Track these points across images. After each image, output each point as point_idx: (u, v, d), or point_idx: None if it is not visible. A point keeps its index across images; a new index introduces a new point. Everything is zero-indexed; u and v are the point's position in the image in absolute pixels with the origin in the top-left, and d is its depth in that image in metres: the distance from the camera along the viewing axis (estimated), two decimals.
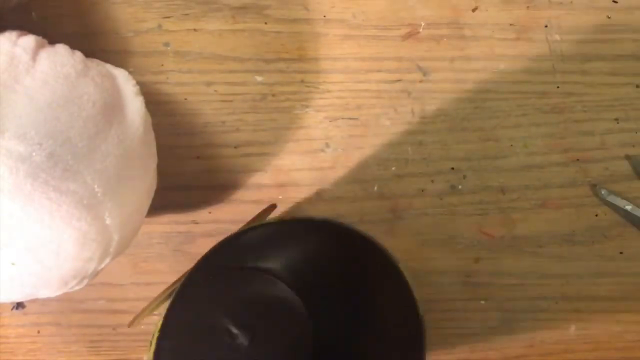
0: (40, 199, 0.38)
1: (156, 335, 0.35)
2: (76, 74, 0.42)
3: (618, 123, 0.52)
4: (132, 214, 0.44)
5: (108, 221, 0.41)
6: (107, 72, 0.45)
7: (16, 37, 0.42)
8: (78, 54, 0.44)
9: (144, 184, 0.46)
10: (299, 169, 0.52)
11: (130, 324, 0.45)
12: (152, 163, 0.46)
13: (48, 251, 0.39)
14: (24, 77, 0.40)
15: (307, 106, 0.52)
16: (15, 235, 0.38)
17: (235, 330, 0.33)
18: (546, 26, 0.51)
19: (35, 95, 0.39)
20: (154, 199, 0.47)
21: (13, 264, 0.39)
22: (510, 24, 0.51)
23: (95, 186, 0.39)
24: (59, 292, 0.43)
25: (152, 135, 0.46)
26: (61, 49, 0.44)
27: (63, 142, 0.39)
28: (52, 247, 0.39)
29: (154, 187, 0.47)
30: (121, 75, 0.46)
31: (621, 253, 0.53)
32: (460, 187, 0.52)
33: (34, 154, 0.37)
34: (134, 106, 0.45)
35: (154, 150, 0.47)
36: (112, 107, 0.43)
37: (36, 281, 0.41)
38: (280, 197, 0.53)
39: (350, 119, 0.52)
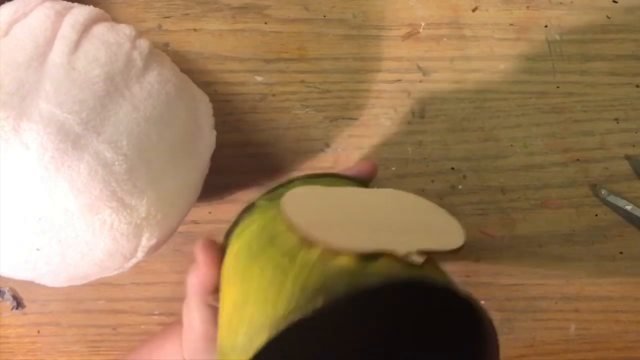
0: (100, 206, 0.38)
1: None
2: (175, 93, 0.42)
3: (618, 123, 0.52)
4: (164, 239, 0.44)
5: (144, 242, 0.41)
6: (195, 96, 0.45)
7: (135, 37, 0.41)
8: (178, 70, 0.44)
9: (185, 214, 0.46)
10: (299, 169, 0.52)
11: None
12: (196, 195, 0.46)
13: (77, 251, 0.40)
14: (133, 84, 0.40)
15: (307, 106, 0.52)
16: (57, 226, 0.38)
17: None
18: (546, 26, 0.51)
19: (139, 106, 0.39)
20: None
21: (38, 249, 0.39)
22: (510, 24, 0.51)
23: (152, 209, 0.40)
24: (58, 285, 0.43)
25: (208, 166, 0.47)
26: (168, 62, 0.44)
27: (144, 160, 0.39)
28: (83, 250, 0.39)
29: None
30: (204, 101, 0.46)
31: (621, 253, 0.53)
32: (460, 187, 0.52)
33: (116, 163, 0.38)
34: (209, 140, 0.45)
35: (201, 182, 0.47)
36: (192, 138, 0.43)
37: (48, 270, 0.41)
38: None
39: (350, 119, 0.52)
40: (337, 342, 0.36)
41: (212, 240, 0.38)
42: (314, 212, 0.35)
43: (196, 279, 0.37)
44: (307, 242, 0.33)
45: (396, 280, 0.30)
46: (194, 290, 0.37)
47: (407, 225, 0.36)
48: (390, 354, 0.34)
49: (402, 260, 0.32)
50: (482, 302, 0.54)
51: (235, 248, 0.36)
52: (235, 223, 0.38)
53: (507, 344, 0.54)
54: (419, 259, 0.32)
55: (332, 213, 0.35)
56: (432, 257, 0.34)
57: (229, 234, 0.38)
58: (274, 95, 0.52)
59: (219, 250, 0.38)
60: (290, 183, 0.39)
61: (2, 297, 0.54)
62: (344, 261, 0.31)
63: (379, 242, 0.33)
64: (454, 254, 0.35)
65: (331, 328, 0.34)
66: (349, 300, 0.29)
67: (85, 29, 0.40)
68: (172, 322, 0.49)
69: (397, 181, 0.52)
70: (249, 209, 0.38)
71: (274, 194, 0.38)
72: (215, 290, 0.37)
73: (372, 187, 0.42)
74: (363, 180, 0.43)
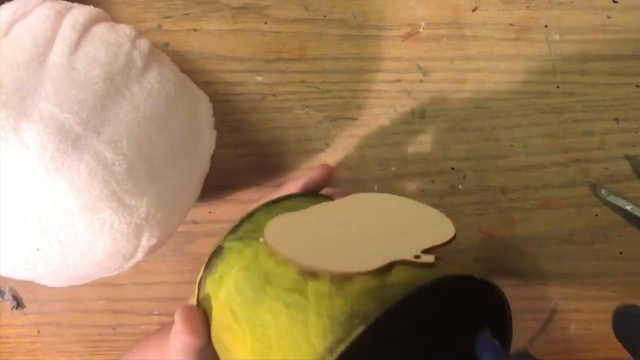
0: (100, 206, 0.38)
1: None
2: (175, 93, 0.42)
3: (618, 123, 0.52)
4: (164, 239, 0.44)
5: (144, 242, 0.41)
6: (195, 96, 0.45)
7: (135, 37, 0.41)
8: (178, 70, 0.44)
9: (185, 214, 0.46)
10: (299, 169, 0.52)
11: None
12: (196, 195, 0.46)
13: (77, 251, 0.40)
14: (133, 83, 0.40)
15: (307, 106, 0.52)
16: (57, 226, 0.38)
17: None
18: (546, 26, 0.51)
19: (139, 105, 0.39)
20: None
21: (38, 249, 0.39)
22: (510, 24, 0.51)
23: (152, 209, 0.40)
24: (58, 285, 0.43)
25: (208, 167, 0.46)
26: (168, 62, 0.44)
27: (145, 159, 0.39)
28: (83, 249, 0.39)
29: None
30: (204, 101, 0.46)
31: (621, 253, 0.53)
32: (460, 187, 0.52)
33: (116, 163, 0.38)
34: (209, 140, 0.45)
35: (201, 182, 0.47)
36: (192, 138, 0.44)
37: (48, 270, 0.41)
38: None
39: (350, 119, 0.52)
40: (401, 350, 0.38)
41: (191, 307, 0.38)
42: (302, 242, 0.34)
43: (180, 344, 0.37)
44: (309, 273, 0.32)
45: (423, 284, 0.30)
46: (179, 353, 0.37)
47: (397, 228, 0.36)
48: (452, 345, 0.35)
49: (414, 264, 0.32)
50: None
51: (221, 297, 0.35)
52: (207, 270, 0.37)
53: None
54: (430, 259, 0.32)
55: (320, 238, 0.35)
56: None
57: (201, 282, 0.37)
58: (274, 95, 0.52)
59: (199, 315, 0.37)
60: (252, 216, 0.38)
61: (2, 297, 0.54)
62: (360, 282, 0.31)
63: (380, 255, 0.32)
64: (450, 243, 0.35)
65: (388, 341, 0.36)
66: (393, 311, 0.29)
67: (85, 29, 0.40)
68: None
69: (397, 181, 0.52)
70: (216, 253, 0.37)
71: (241, 232, 0.37)
72: (204, 347, 0.37)
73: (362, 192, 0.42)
74: (317, 191, 0.43)
